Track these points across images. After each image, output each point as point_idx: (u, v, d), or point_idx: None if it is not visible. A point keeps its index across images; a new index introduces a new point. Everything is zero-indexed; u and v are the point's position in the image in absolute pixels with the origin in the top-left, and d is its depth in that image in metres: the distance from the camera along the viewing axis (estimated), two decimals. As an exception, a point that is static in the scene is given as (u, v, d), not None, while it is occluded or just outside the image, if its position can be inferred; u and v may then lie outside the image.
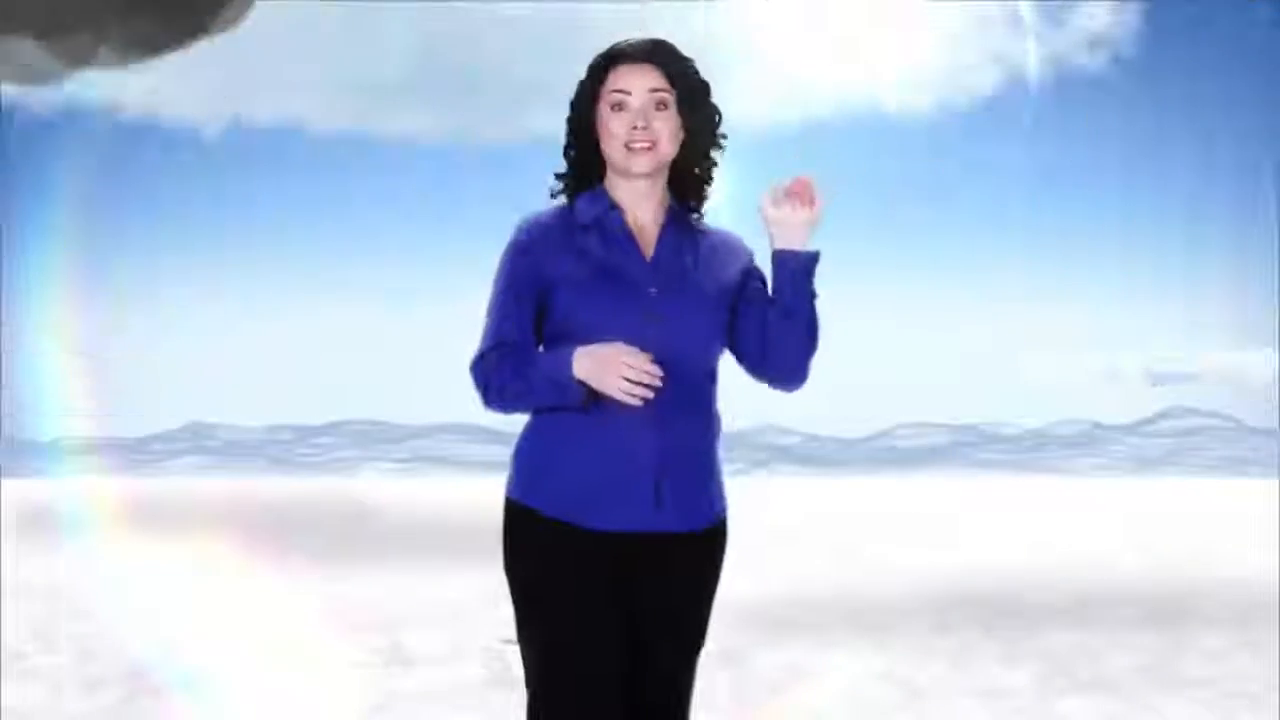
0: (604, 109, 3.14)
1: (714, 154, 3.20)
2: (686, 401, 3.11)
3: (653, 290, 3.10)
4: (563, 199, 3.21)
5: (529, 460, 3.13)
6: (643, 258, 3.13)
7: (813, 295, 3.14)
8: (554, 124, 3.25)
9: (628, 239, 3.14)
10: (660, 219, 3.18)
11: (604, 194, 3.17)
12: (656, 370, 3.01)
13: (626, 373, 3.00)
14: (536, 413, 3.13)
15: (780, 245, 3.12)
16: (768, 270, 3.17)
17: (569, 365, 3.03)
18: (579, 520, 3.07)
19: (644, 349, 3.03)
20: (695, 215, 3.22)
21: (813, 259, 3.12)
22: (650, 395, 3.01)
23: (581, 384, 3.02)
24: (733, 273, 3.19)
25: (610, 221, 3.15)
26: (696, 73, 3.17)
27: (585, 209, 3.16)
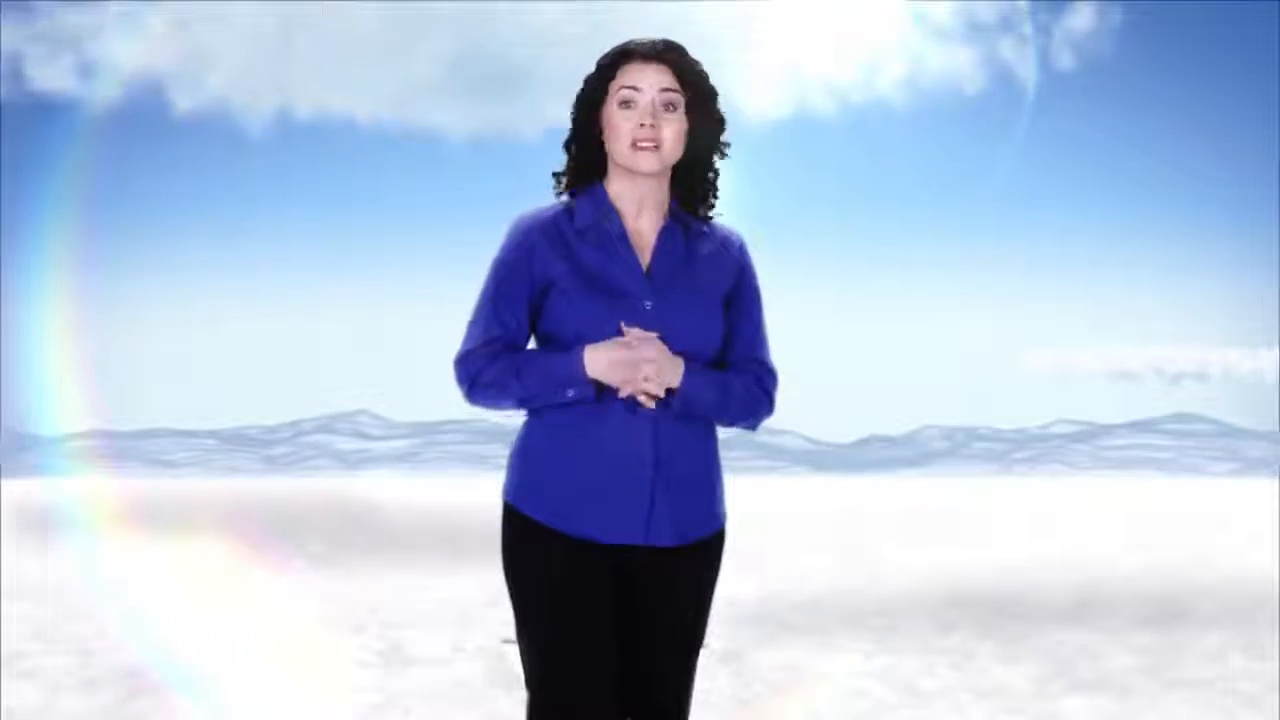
0: (612, 105, 3.09)
1: (716, 161, 3.16)
2: (683, 413, 3.10)
3: (648, 304, 3.07)
4: (563, 197, 3.17)
5: (525, 467, 3.11)
6: (639, 266, 3.09)
7: (710, 407, 3.09)
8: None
9: (625, 246, 3.10)
10: (659, 223, 3.15)
11: (603, 195, 3.14)
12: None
13: (650, 373, 2.99)
14: (534, 416, 3.11)
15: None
16: (765, 269, 3.18)
17: (580, 363, 3.02)
18: (574, 530, 3.06)
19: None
20: (700, 218, 3.18)
21: (681, 398, 3.05)
22: (658, 397, 3.02)
23: (593, 381, 3.02)
24: (728, 279, 3.17)
25: (608, 226, 3.12)
26: (707, 78, 3.13)
27: (583, 211, 3.12)
